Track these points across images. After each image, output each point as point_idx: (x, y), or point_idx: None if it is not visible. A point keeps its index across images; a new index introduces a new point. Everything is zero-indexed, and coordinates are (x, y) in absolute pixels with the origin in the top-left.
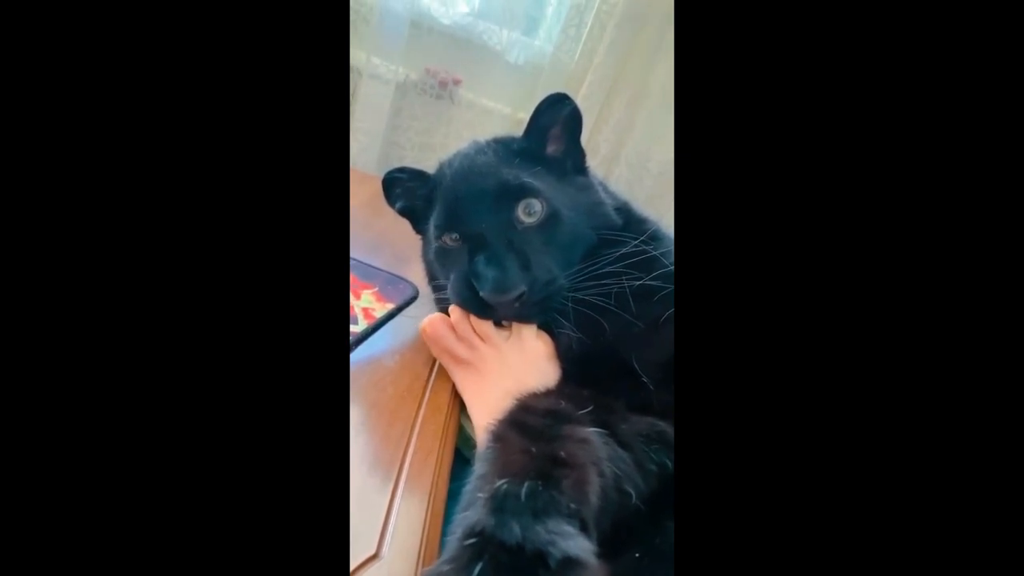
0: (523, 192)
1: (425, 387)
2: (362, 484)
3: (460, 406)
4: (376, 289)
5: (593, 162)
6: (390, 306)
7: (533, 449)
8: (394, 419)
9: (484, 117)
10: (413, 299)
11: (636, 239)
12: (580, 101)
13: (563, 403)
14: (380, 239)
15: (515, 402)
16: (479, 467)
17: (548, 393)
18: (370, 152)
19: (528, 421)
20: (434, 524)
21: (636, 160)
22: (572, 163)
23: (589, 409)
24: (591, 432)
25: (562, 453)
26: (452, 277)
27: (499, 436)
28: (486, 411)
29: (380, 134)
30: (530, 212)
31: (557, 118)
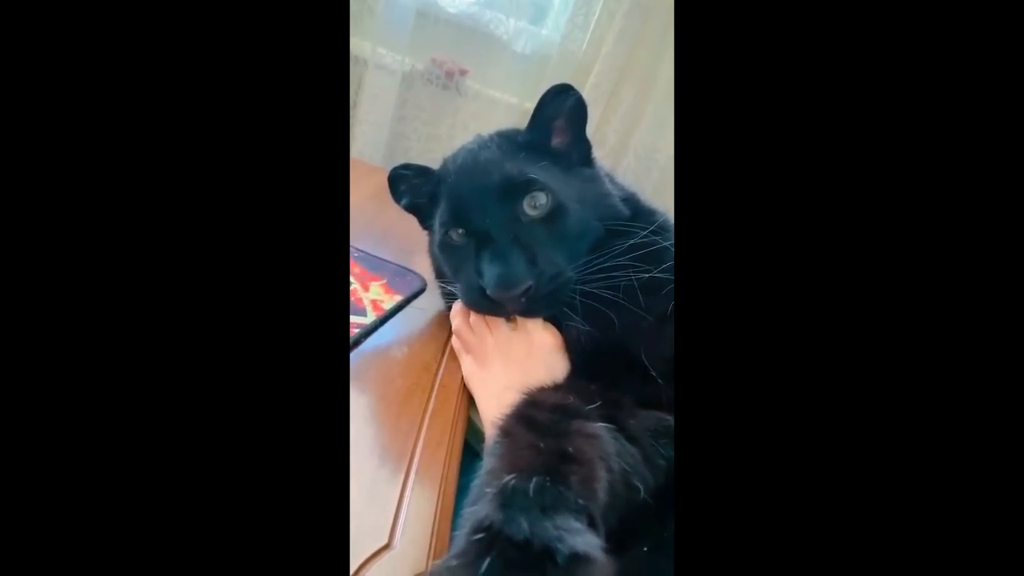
0: (528, 186)
1: (434, 379)
2: (372, 476)
3: (468, 398)
4: (384, 281)
5: (601, 152)
6: (398, 298)
7: (541, 444)
8: (403, 411)
9: (491, 107)
10: (421, 291)
11: (644, 230)
12: (588, 91)
13: (571, 398)
14: (387, 231)
15: (523, 397)
16: (487, 462)
17: (556, 388)
18: (376, 143)
19: (536, 416)
20: (445, 514)
21: (644, 151)
22: (578, 155)
23: (597, 404)
24: (599, 427)
25: (570, 449)
26: (460, 278)
27: (507, 431)
28: (494, 404)
29: (386, 125)
30: (535, 205)
31: (561, 109)
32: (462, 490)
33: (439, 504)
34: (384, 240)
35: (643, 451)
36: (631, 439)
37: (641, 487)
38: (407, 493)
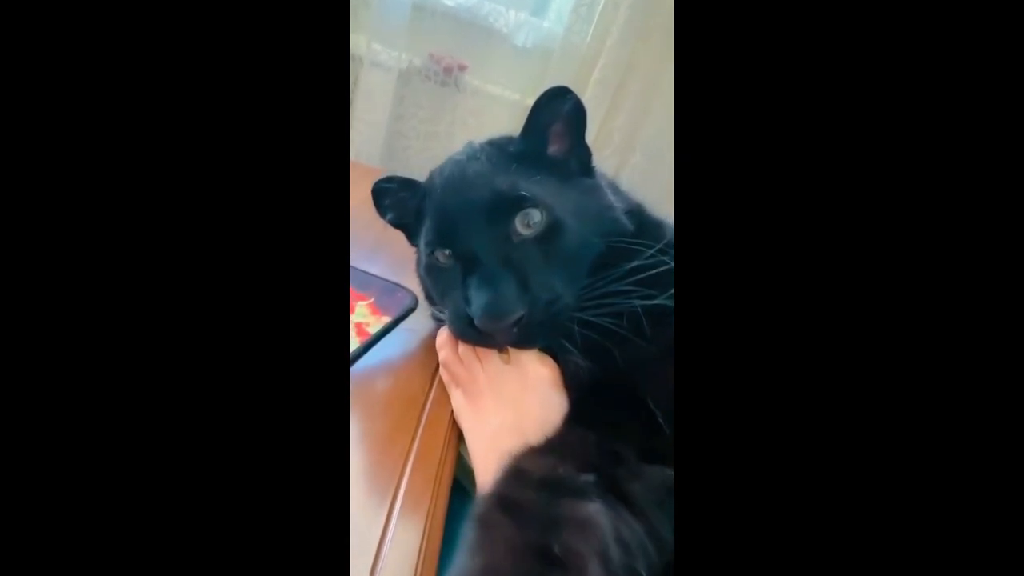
0: (519, 203)
1: (420, 415)
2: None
3: (459, 433)
4: (372, 300)
5: (607, 151)
6: (386, 319)
7: (521, 541)
8: (385, 454)
9: (491, 104)
10: (412, 310)
11: (650, 248)
12: (592, 87)
13: (561, 468)
14: (380, 240)
15: (507, 465)
16: (457, 561)
17: (547, 448)
18: (373, 144)
19: (520, 498)
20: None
21: (653, 149)
22: (577, 163)
23: (593, 478)
24: (595, 510)
25: (556, 548)
26: (447, 304)
27: (484, 520)
28: (485, 446)
29: (383, 124)
30: (528, 223)
31: (558, 114)
32: (448, 543)
33: (419, 566)
34: (376, 250)
35: (647, 523)
36: (634, 510)
37: (644, 572)
38: (384, 552)
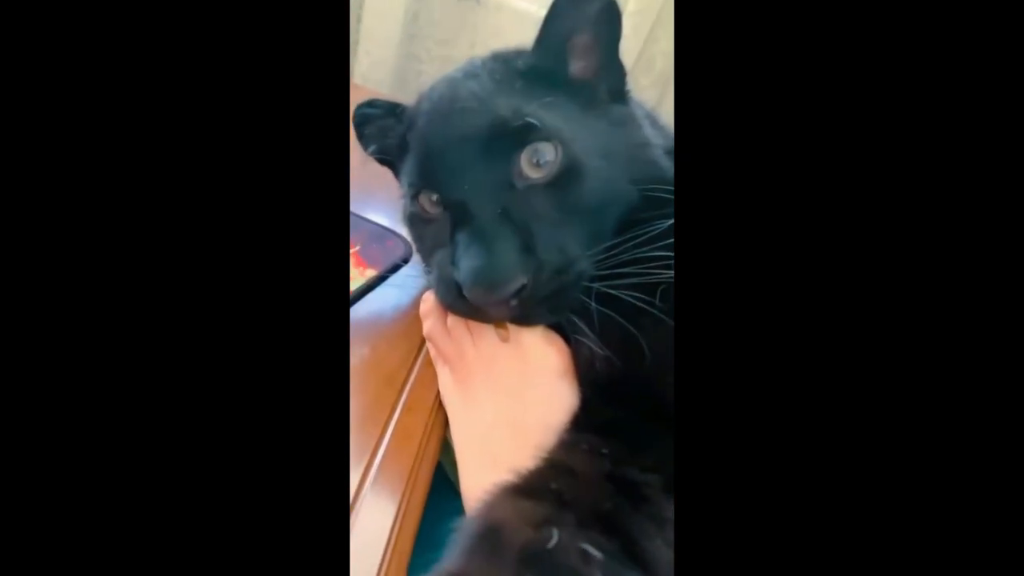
0: (526, 133)
1: (398, 397)
2: None
3: (445, 420)
4: (357, 249)
5: (644, 81)
6: (371, 272)
7: None
8: (353, 441)
9: (517, 21)
10: (404, 262)
11: None
12: (634, 1)
13: (556, 533)
14: (378, 175)
15: (483, 508)
16: None
17: (543, 477)
18: (382, 67)
19: None
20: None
21: None
22: (607, 87)
23: (598, 553)
24: None
25: None
26: (432, 265)
27: None
28: (473, 443)
29: (394, 45)
30: (538, 162)
31: (584, 19)
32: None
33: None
34: (371, 189)
35: None
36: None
37: None
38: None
